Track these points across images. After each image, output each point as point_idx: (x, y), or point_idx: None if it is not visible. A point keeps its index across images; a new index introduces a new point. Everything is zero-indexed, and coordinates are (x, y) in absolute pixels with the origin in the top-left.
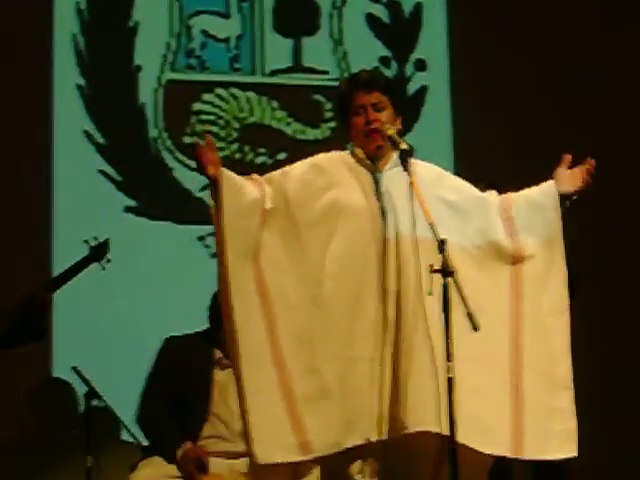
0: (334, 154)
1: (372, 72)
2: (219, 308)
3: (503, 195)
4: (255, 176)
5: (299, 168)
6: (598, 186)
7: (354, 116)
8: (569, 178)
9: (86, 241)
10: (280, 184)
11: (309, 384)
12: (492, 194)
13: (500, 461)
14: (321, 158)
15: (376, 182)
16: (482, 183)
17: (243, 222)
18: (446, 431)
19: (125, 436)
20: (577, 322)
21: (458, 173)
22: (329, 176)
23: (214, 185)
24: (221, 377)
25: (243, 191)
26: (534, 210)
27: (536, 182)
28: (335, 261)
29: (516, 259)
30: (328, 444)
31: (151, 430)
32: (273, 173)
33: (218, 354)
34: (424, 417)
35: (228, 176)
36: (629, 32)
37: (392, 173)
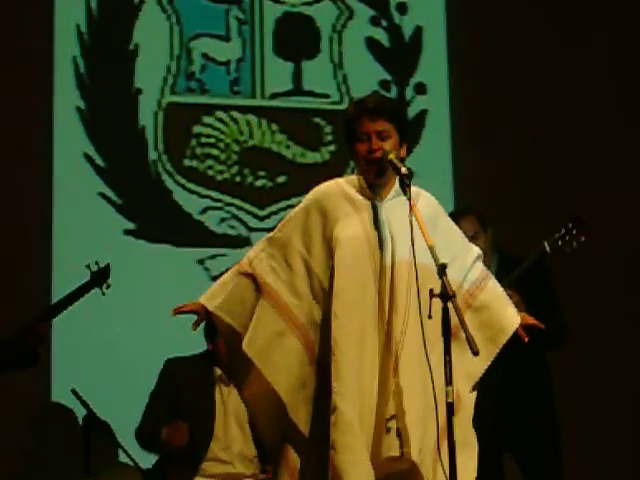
0: (333, 187)
1: (379, 98)
2: (214, 326)
3: (485, 273)
4: (243, 267)
5: (298, 218)
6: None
7: (358, 142)
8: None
9: (87, 266)
10: (283, 243)
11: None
12: (476, 251)
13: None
14: (319, 196)
15: (375, 211)
16: (472, 215)
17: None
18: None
19: (124, 459)
20: None
21: (457, 197)
22: (328, 214)
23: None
24: (221, 398)
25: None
26: (487, 322)
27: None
28: (339, 296)
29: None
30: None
31: (150, 443)
32: (275, 233)
33: (218, 372)
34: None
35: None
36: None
37: (394, 202)
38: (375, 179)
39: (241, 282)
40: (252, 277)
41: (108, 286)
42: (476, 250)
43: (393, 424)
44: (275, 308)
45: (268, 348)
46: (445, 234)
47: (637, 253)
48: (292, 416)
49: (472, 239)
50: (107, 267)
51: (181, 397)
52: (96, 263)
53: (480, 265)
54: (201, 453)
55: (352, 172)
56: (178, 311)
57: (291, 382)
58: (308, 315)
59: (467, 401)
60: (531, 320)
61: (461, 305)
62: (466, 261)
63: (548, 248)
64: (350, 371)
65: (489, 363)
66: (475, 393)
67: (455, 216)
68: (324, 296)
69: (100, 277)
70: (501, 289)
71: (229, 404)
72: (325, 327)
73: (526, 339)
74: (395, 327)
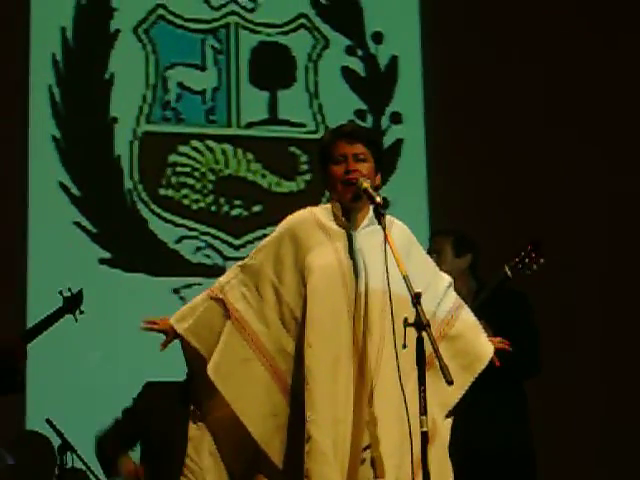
0: (306, 215)
1: (357, 125)
2: None
3: (458, 302)
4: (214, 292)
5: (271, 245)
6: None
7: (333, 165)
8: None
9: (60, 292)
10: (255, 270)
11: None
12: (447, 279)
13: None
14: (292, 224)
15: (349, 240)
16: (450, 236)
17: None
18: None
19: None
20: None
21: (432, 226)
22: (301, 243)
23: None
24: (195, 431)
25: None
26: (462, 350)
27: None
28: (313, 325)
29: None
30: None
31: (104, 455)
32: (248, 260)
33: (192, 406)
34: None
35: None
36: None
37: (368, 231)
38: (351, 202)
39: (211, 307)
40: (222, 302)
41: (81, 312)
42: (447, 279)
43: (368, 455)
44: (243, 335)
45: (234, 374)
46: (418, 263)
47: (604, 273)
48: (263, 447)
49: (430, 253)
50: (80, 293)
51: (153, 421)
52: (69, 289)
53: (452, 294)
54: None
55: (327, 202)
56: (147, 326)
57: (258, 410)
58: (276, 344)
59: (442, 430)
60: (500, 344)
61: (435, 334)
62: (438, 290)
63: (509, 273)
64: (324, 400)
65: (464, 392)
66: (450, 421)
67: (436, 233)
68: (295, 325)
69: (73, 303)
70: (474, 317)
71: (203, 438)
72: (297, 356)
73: (498, 363)
74: (369, 356)
